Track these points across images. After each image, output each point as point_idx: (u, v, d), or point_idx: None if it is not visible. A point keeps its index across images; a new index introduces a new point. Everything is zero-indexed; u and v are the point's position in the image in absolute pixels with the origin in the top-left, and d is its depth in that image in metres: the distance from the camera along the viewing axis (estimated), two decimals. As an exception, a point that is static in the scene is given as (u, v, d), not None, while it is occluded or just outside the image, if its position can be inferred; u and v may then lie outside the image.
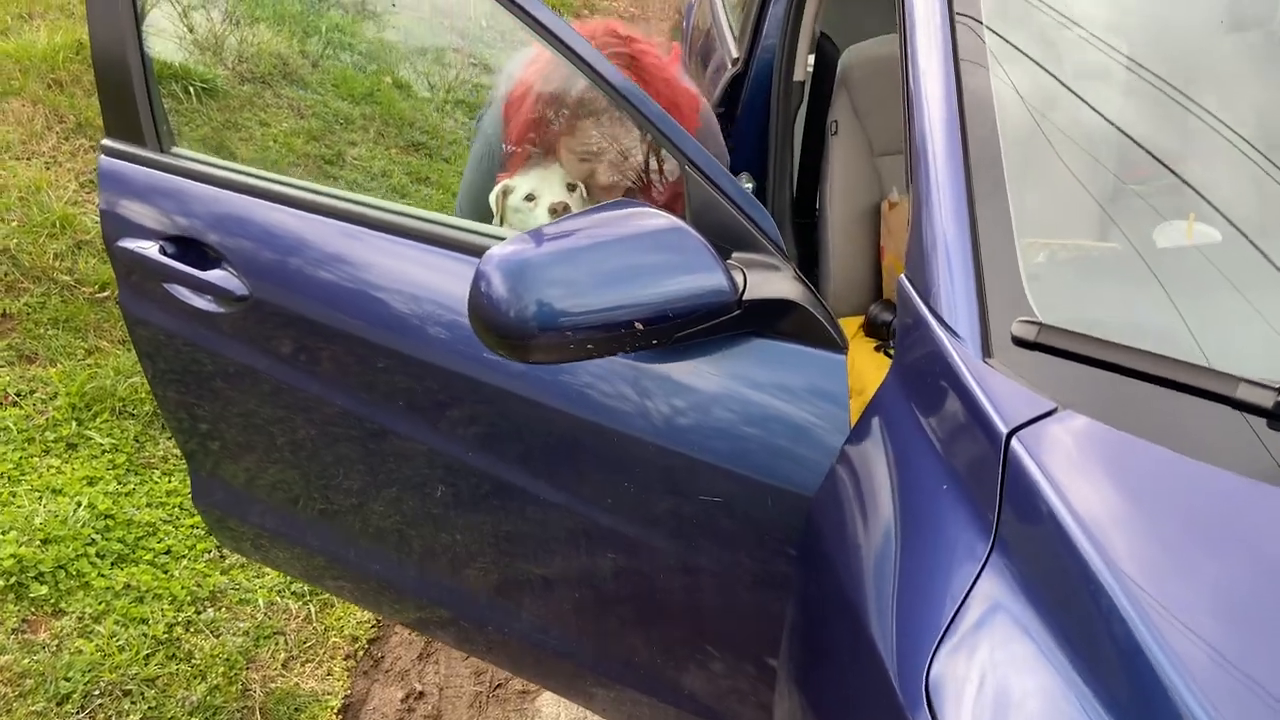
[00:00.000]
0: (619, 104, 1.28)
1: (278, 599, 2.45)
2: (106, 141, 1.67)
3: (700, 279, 1.15)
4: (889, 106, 2.30)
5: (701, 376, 1.28)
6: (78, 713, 1.97)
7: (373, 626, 2.50)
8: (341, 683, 2.32)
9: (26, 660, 1.98)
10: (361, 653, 2.43)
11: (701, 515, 1.35)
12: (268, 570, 2.51)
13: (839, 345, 1.23)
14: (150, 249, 1.63)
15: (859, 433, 1.20)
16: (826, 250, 2.27)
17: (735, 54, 2.48)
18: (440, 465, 1.58)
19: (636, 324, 1.14)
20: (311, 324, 1.56)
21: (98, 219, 3.21)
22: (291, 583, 2.51)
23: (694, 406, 1.29)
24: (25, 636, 2.05)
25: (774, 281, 1.23)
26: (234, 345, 1.65)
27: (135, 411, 2.71)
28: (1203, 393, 0.96)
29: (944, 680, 0.90)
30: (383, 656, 2.45)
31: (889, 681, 0.94)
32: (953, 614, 0.93)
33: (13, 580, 2.11)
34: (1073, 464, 0.96)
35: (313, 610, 2.47)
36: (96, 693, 2.01)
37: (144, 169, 1.65)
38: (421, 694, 2.35)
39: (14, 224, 3.03)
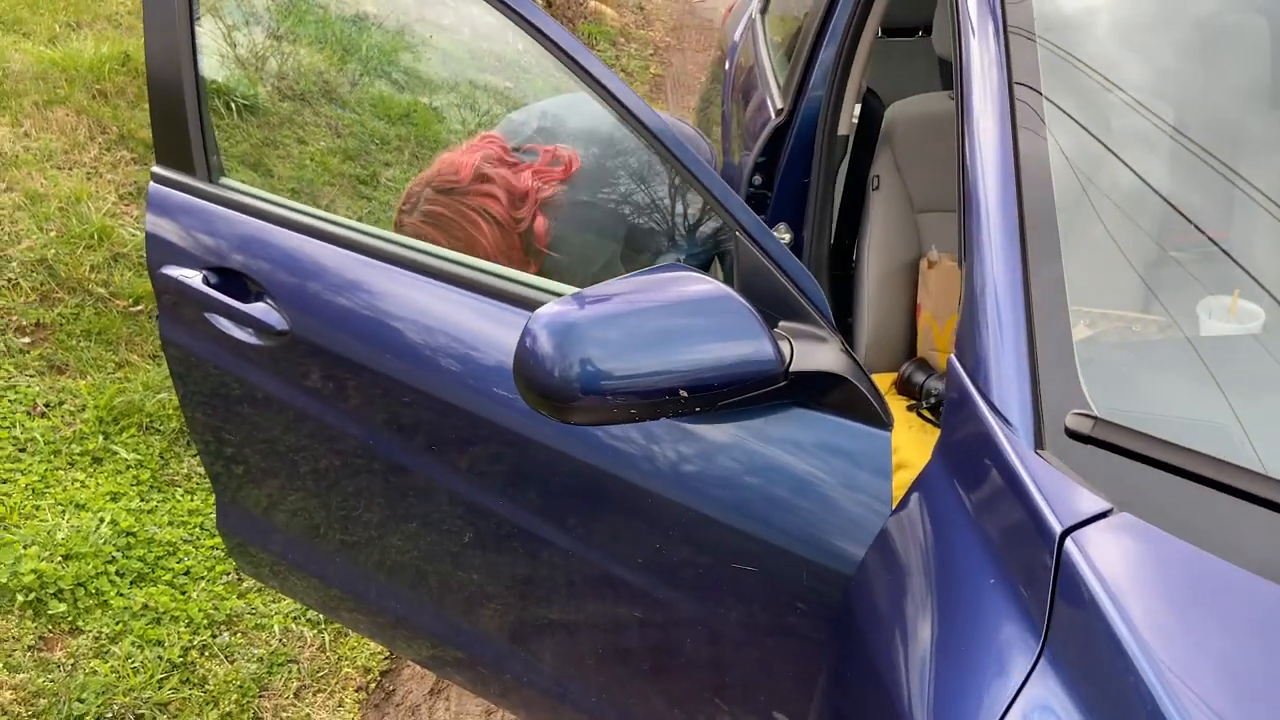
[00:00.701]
0: (669, 162, 1.27)
1: (293, 625, 2.44)
2: (157, 169, 1.69)
3: (747, 347, 1.14)
4: (931, 163, 2.30)
5: (741, 444, 1.27)
6: (90, 735, 1.96)
7: (385, 658, 2.48)
8: (352, 715, 2.30)
9: (41, 679, 1.98)
10: (373, 685, 2.41)
11: (732, 582, 1.33)
12: (284, 596, 2.50)
13: (884, 422, 1.21)
14: (193, 278, 1.64)
15: (901, 514, 1.18)
16: (862, 304, 2.26)
17: (780, 104, 2.47)
18: (461, 505, 1.57)
19: (681, 391, 1.13)
20: (347, 361, 1.56)
21: (135, 231, 3.24)
22: (307, 610, 2.49)
23: (731, 473, 1.28)
24: (41, 655, 2.05)
25: (820, 353, 1.21)
26: (268, 377, 1.66)
27: (161, 428, 2.72)
28: (1263, 501, 0.94)
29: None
30: (394, 690, 2.44)
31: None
32: (999, 717, 0.91)
33: (32, 596, 2.11)
34: (1128, 571, 0.93)
35: (327, 639, 2.45)
36: (109, 716, 2.00)
37: (192, 198, 1.66)
38: (432, 731, 2.33)
39: (52, 234, 3.05)
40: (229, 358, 1.68)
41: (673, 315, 1.15)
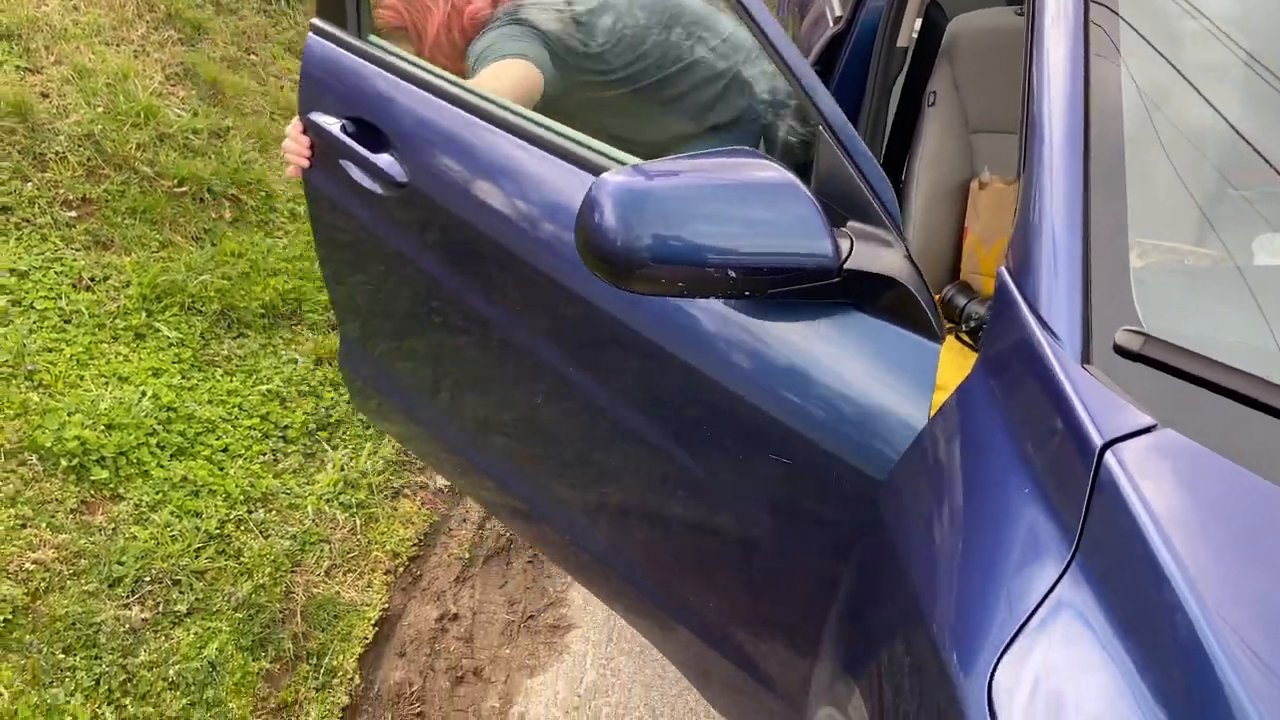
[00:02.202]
0: (764, 46, 1.27)
1: (326, 508, 2.50)
2: (315, 21, 1.82)
3: (804, 240, 1.14)
4: (991, 82, 2.23)
5: (793, 336, 1.28)
6: (128, 597, 2.03)
7: (414, 545, 2.55)
8: (380, 596, 2.37)
9: (83, 541, 2.05)
10: (401, 569, 2.48)
11: (768, 473, 1.35)
12: (319, 478, 2.56)
13: (936, 334, 1.20)
14: (334, 125, 1.74)
15: (938, 422, 1.18)
16: (908, 223, 2.22)
17: (839, 12, 2.40)
18: (538, 366, 1.65)
19: (730, 271, 1.14)
20: (454, 218, 1.65)
21: (180, 112, 3.24)
22: (340, 493, 2.56)
23: (779, 364, 1.29)
24: (83, 518, 2.12)
25: (884, 257, 1.20)
26: (387, 226, 1.78)
27: (203, 309, 2.75)
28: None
29: (1008, 686, 0.88)
30: (421, 575, 2.50)
31: (950, 681, 0.93)
32: (1024, 620, 0.92)
33: (75, 462, 2.17)
34: (1168, 486, 0.93)
35: (358, 523, 2.52)
36: (147, 579, 2.07)
37: (342, 51, 1.77)
38: (456, 616, 2.40)
39: (99, 110, 3.06)
40: (357, 204, 1.79)
41: (735, 197, 1.15)
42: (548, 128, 1.55)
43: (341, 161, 1.75)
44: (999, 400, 1.12)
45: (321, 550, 2.40)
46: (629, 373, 1.52)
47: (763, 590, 1.47)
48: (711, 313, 1.35)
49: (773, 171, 1.15)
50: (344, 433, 2.74)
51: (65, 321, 2.51)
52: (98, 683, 1.85)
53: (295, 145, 1.76)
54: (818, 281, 1.16)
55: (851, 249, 1.17)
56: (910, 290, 1.18)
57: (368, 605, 2.34)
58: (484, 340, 1.76)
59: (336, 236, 1.93)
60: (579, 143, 1.51)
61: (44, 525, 2.02)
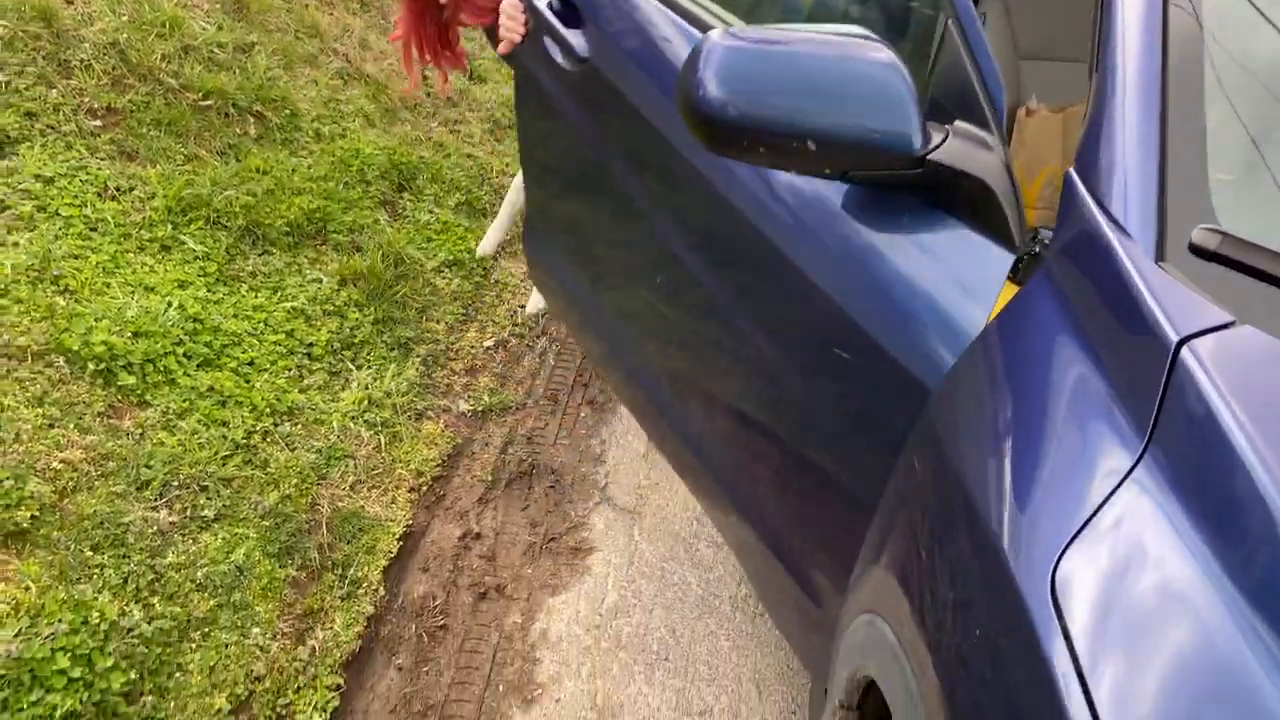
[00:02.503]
0: None
1: (350, 425, 2.49)
2: None
3: (890, 121, 1.12)
4: (1043, 7, 2.16)
5: (870, 226, 1.27)
6: (155, 500, 2.03)
7: (437, 465, 2.54)
8: (404, 512, 2.37)
9: (110, 444, 2.04)
10: (425, 488, 2.48)
11: (829, 367, 1.35)
12: (344, 395, 2.55)
13: (1014, 244, 1.16)
14: (542, 1, 1.84)
15: (997, 326, 1.14)
16: (950, 150, 2.18)
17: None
18: (665, 253, 1.71)
19: (810, 143, 1.13)
20: (623, 100, 1.71)
21: (206, 25, 3.18)
22: (365, 411, 2.55)
23: (853, 253, 1.28)
24: (110, 422, 2.11)
25: (978, 158, 1.17)
26: (570, 103, 1.86)
27: (229, 224, 2.72)
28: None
29: (1072, 580, 0.86)
30: (444, 495, 2.50)
31: (1009, 578, 0.91)
32: (1090, 515, 0.89)
33: (102, 367, 2.16)
34: (1246, 381, 0.89)
35: (382, 441, 2.51)
36: (175, 484, 2.07)
37: None
38: (479, 535, 2.40)
39: (124, 18, 3.00)
40: (551, 82, 1.87)
41: (832, 72, 1.14)
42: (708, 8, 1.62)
43: (544, 37, 1.82)
44: (1065, 301, 1.09)
45: (346, 465, 2.40)
46: (726, 253, 1.56)
47: (812, 491, 1.47)
48: (801, 194, 1.37)
49: (877, 53, 1.12)
50: (368, 353, 2.72)
51: (91, 229, 2.49)
52: (125, 581, 1.85)
53: (511, 20, 1.80)
54: (898, 169, 1.13)
55: (943, 143, 1.14)
56: (995, 195, 1.14)
57: (392, 521, 2.34)
58: (632, 224, 1.82)
59: (532, 117, 2.03)
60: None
61: (71, 426, 2.01)
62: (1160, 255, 1.02)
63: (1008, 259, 1.17)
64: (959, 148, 1.15)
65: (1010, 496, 0.98)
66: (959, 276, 1.20)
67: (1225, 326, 0.93)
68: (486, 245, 2.80)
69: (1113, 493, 0.89)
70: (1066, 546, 0.89)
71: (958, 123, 1.19)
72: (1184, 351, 0.91)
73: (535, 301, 2.88)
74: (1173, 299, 0.97)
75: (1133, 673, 0.78)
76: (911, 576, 1.14)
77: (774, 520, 1.59)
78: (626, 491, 2.59)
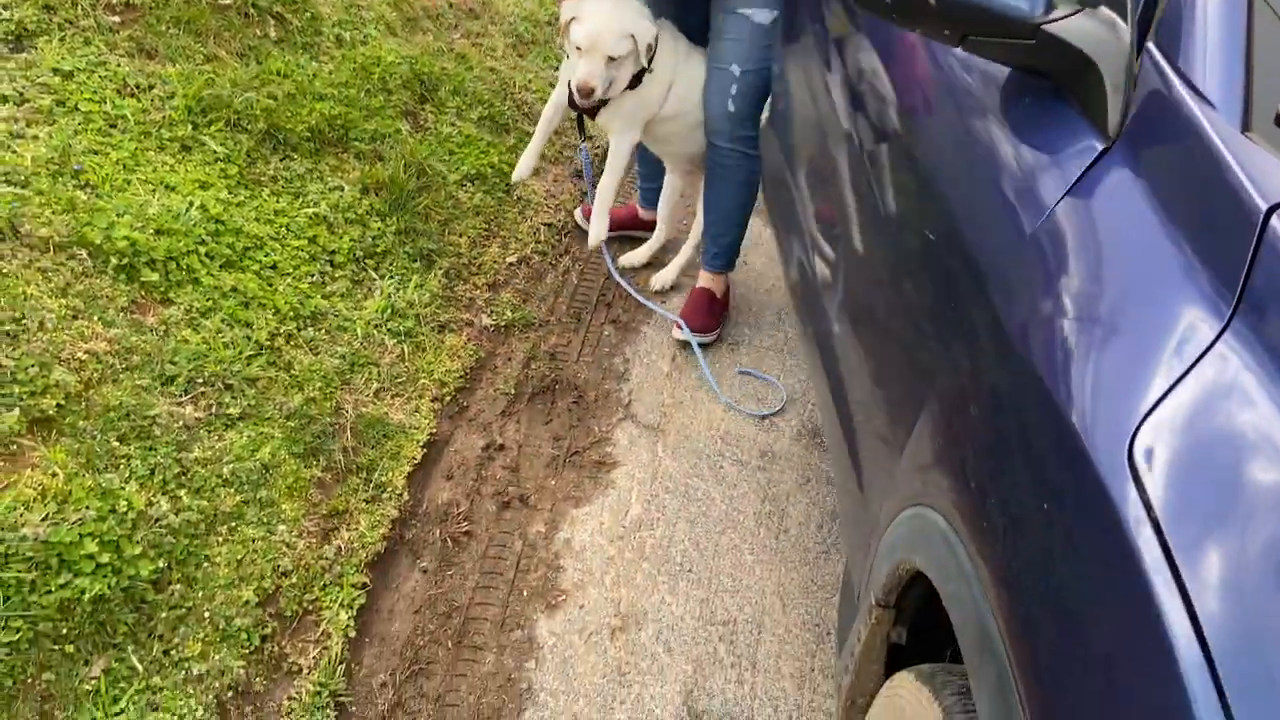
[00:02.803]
0: None
1: (374, 333, 2.46)
2: None
3: None
4: None
5: (975, 92, 1.30)
6: (181, 395, 2.01)
7: (460, 377, 2.51)
8: (428, 421, 2.35)
9: (135, 338, 2.02)
10: (448, 398, 2.46)
11: (916, 243, 1.37)
12: (367, 304, 2.52)
13: (1106, 132, 1.10)
14: None
15: (1075, 196, 1.10)
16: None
17: None
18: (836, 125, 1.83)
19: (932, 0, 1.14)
20: None
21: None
22: (388, 320, 2.51)
23: (950, 121, 1.32)
24: (134, 317, 2.08)
25: (1099, 41, 1.12)
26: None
27: (249, 127, 2.66)
28: None
29: (1155, 448, 0.83)
30: (468, 406, 2.48)
31: (1081, 451, 0.88)
32: (1172, 384, 0.86)
33: (125, 262, 2.12)
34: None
35: (406, 350, 2.48)
36: (200, 380, 2.05)
37: None
38: (502, 446, 2.38)
39: (142, -86, 2.90)
40: None
41: None
42: None
43: None
44: (1145, 172, 1.04)
45: (370, 372, 2.37)
46: (870, 120, 1.66)
47: (879, 373, 1.46)
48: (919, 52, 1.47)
49: None
50: (390, 264, 2.68)
51: (111, 126, 2.43)
52: (152, 472, 1.84)
53: None
54: (1013, 36, 1.11)
55: (1065, 18, 1.11)
56: (1103, 80, 1.10)
57: (415, 429, 2.32)
58: (819, 100, 1.97)
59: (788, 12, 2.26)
60: None
61: (95, 319, 1.98)
62: (1246, 125, 0.98)
63: (1094, 148, 1.12)
64: (1082, 26, 1.11)
65: (1083, 370, 0.95)
66: (1047, 160, 1.15)
67: (1315, 195, 0.89)
68: (522, 169, 2.71)
69: (1196, 362, 0.86)
70: (1146, 416, 0.86)
71: (1101, 8, 1.15)
72: (1274, 219, 0.87)
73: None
74: (1260, 167, 0.93)
75: (1220, 541, 0.75)
76: (967, 462, 1.11)
77: (851, 396, 1.63)
78: (650, 409, 2.56)
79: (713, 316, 2.79)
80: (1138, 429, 0.85)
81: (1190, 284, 0.92)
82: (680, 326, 2.73)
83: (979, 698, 0.93)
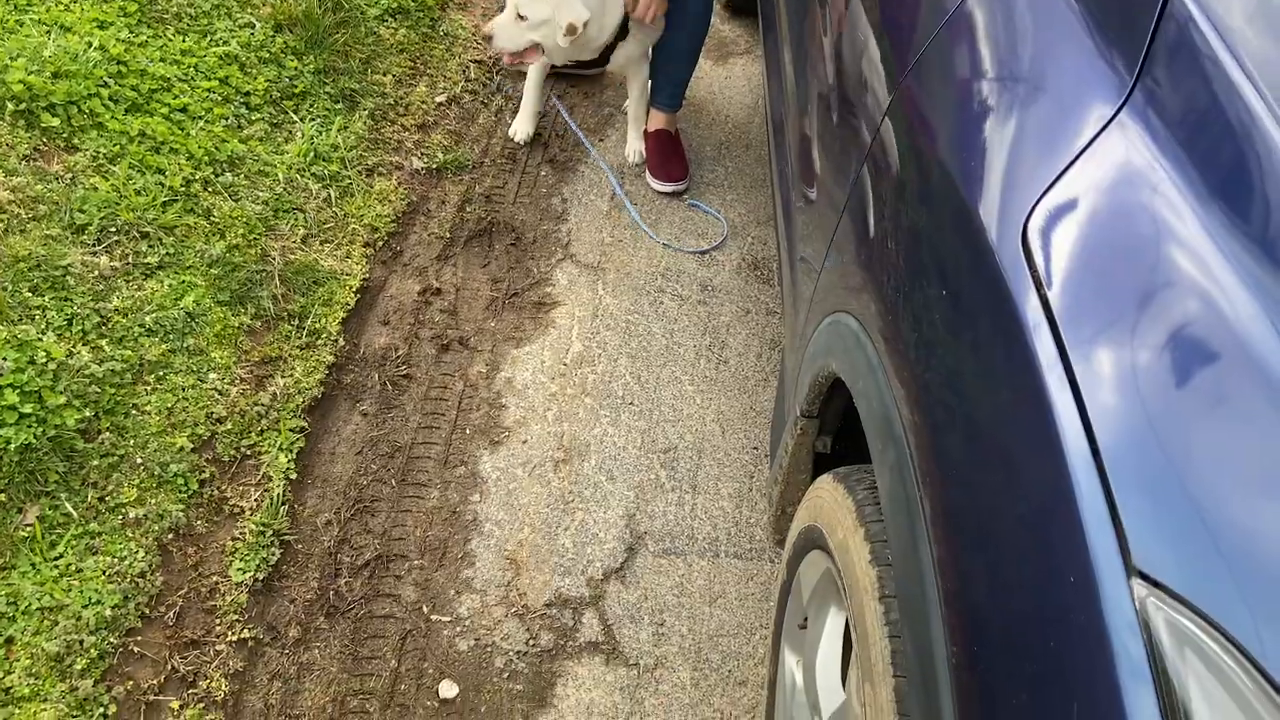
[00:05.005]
0: None
1: (297, 178, 2.38)
2: None
3: None
4: None
5: None
6: (94, 245, 1.94)
7: (392, 222, 2.45)
8: (360, 266, 2.30)
9: (40, 187, 1.93)
10: (381, 244, 2.40)
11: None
12: (288, 147, 2.42)
13: None
14: None
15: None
16: None
17: None
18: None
19: None
20: None
21: None
22: (311, 164, 2.43)
23: None
24: (37, 165, 1.98)
25: None
26: None
27: (146, -40, 2.48)
28: None
29: (1048, 228, 0.82)
30: (401, 251, 2.43)
31: (978, 234, 0.87)
32: (1070, 162, 0.84)
33: (22, 107, 2.01)
34: (1244, 15, 0.83)
35: (332, 195, 2.41)
36: (113, 229, 1.98)
37: None
38: (439, 290, 2.35)
39: None
40: None
41: None
42: None
43: None
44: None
45: (296, 218, 2.30)
46: None
47: (810, 189, 1.46)
48: None
49: None
50: (310, 105, 2.57)
51: (-7, -38, 2.26)
52: (70, 323, 1.79)
53: None
54: None
55: None
56: None
57: (348, 275, 2.27)
58: None
59: None
60: None
61: (-5, 168, 1.89)
62: None
63: None
64: None
65: (985, 155, 0.93)
66: None
67: (1227, -41, 0.86)
68: (522, 132, 2.75)
69: (1095, 138, 0.84)
70: (1041, 196, 0.84)
71: None
72: (1179, -15, 0.84)
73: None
74: None
75: (1109, 316, 0.75)
76: (876, 265, 1.10)
77: (792, 219, 1.66)
78: (589, 249, 2.53)
79: (682, 158, 2.75)
80: (1031, 211, 0.84)
81: (1093, 62, 0.89)
82: (660, 179, 2.71)
83: (880, 479, 0.95)
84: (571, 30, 2.31)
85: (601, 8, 2.37)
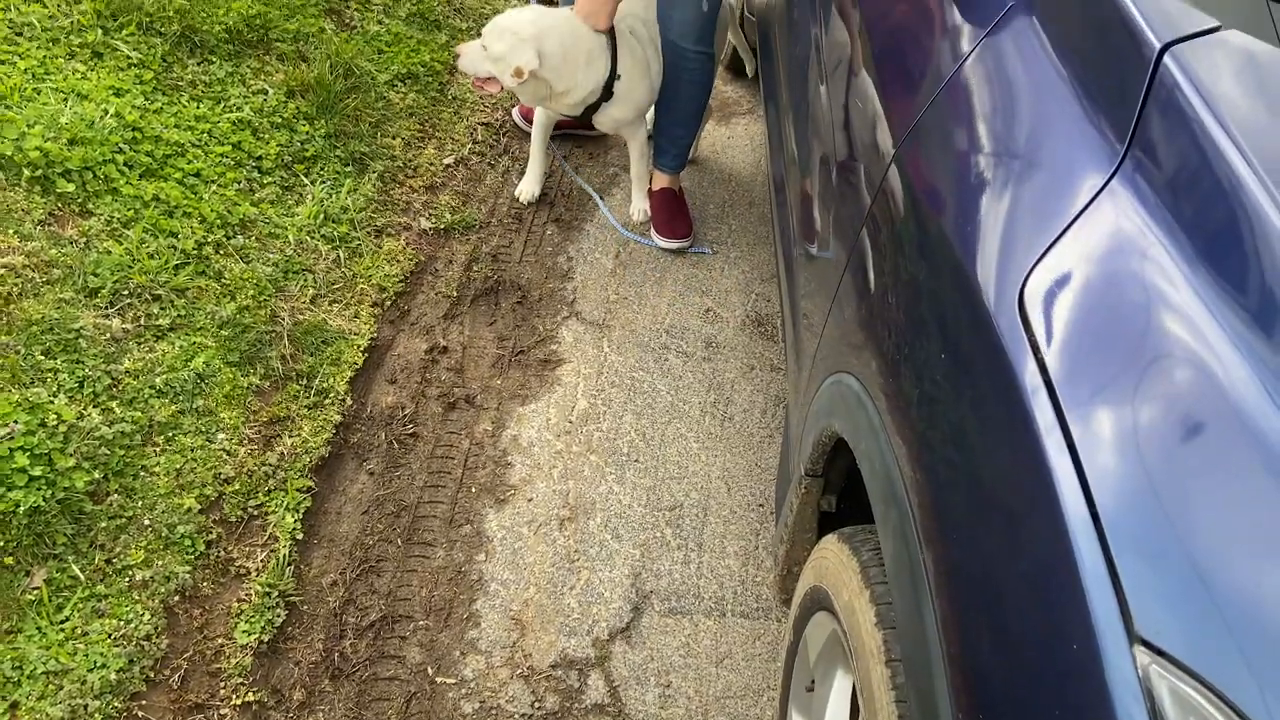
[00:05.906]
0: None
1: (307, 239, 2.42)
2: None
3: None
4: None
5: None
6: (107, 307, 1.97)
7: (400, 281, 2.48)
8: (368, 326, 2.33)
9: (54, 251, 1.96)
10: (388, 303, 2.43)
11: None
12: (298, 210, 2.47)
13: None
14: None
15: (964, 68, 1.09)
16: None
17: None
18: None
19: None
20: None
21: None
22: (321, 226, 2.47)
23: None
24: (52, 230, 2.02)
25: None
26: None
27: (163, 30, 2.55)
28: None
29: (1044, 292, 0.84)
30: (409, 310, 2.46)
31: (975, 297, 0.89)
32: (1064, 228, 0.86)
33: (39, 173, 2.05)
34: (1232, 84, 0.85)
35: (342, 256, 2.44)
36: (125, 292, 2.01)
37: None
38: (445, 349, 2.37)
39: None
40: None
41: None
42: None
43: None
44: (1037, 25, 1.03)
45: (305, 279, 2.33)
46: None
47: (812, 245, 1.49)
48: None
49: None
50: (321, 168, 2.62)
51: (16, 34, 2.32)
52: (81, 385, 1.81)
53: None
54: None
55: None
56: None
57: (356, 334, 2.30)
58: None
59: None
60: None
61: (11, 232, 1.92)
62: None
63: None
64: None
65: (982, 220, 0.95)
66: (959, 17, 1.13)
67: (1210, 31, 0.88)
68: (529, 192, 2.83)
69: (1088, 204, 0.86)
70: (1037, 262, 0.86)
71: None
72: (1166, 58, 0.87)
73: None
74: (1154, 6, 0.91)
75: (1105, 380, 0.76)
76: (877, 325, 1.12)
77: (795, 276, 1.72)
78: (595, 306, 2.55)
79: (686, 215, 2.80)
80: (1029, 276, 0.85)
81: (1086, 130, 0.92)
82: (665, 238, 2.76)
83: (884, 541, 0.96)
84: (519, 73, 2.33)
85: (563, 62, 2.38)
